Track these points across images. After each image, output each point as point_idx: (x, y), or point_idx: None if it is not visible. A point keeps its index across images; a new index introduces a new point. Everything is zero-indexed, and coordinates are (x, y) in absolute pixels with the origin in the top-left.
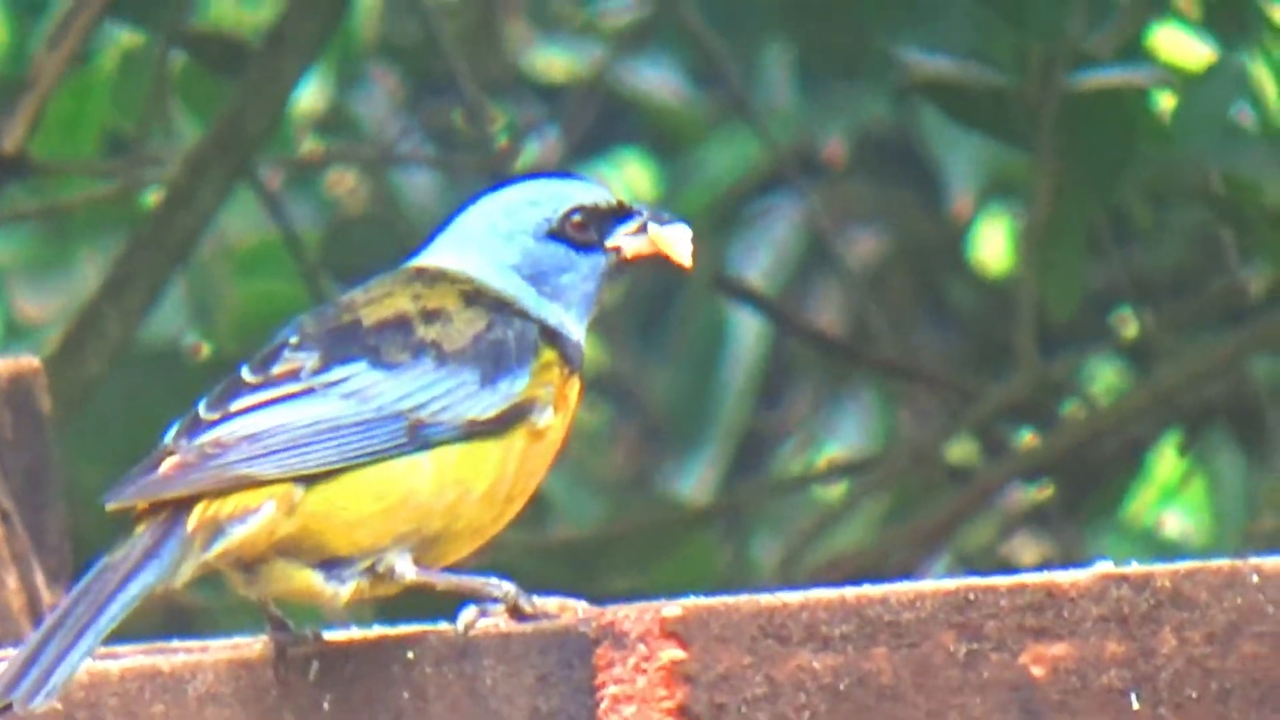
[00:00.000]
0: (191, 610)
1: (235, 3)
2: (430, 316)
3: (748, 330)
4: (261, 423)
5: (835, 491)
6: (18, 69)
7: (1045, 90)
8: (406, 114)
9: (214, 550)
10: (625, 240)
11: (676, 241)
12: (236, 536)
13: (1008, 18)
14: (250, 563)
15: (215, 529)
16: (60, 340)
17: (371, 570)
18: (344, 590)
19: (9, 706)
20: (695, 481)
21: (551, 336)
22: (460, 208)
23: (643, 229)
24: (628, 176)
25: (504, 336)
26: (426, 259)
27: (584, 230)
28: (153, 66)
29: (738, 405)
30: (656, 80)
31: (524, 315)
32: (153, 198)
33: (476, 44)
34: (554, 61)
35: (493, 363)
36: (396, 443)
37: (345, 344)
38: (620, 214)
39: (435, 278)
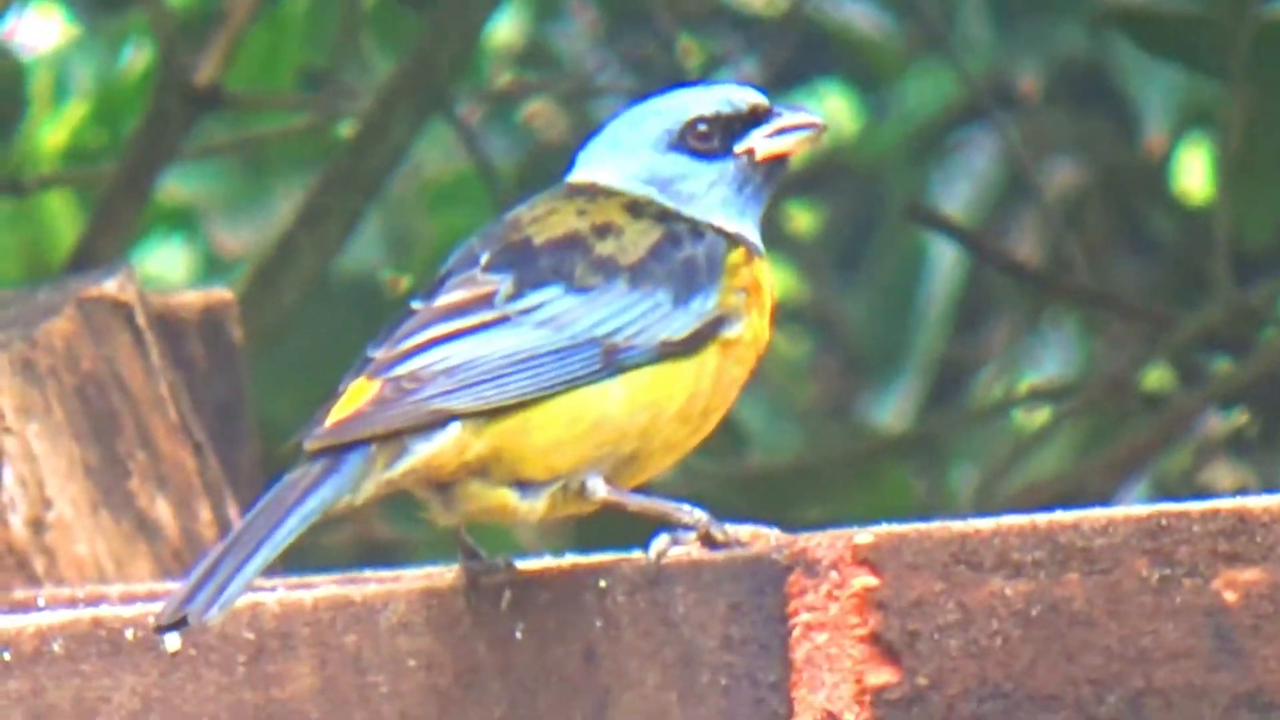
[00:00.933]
0: (386, 543)
1: None
2: (601, 231)
3: (945, 260)
4: (458, 354)
5: (1032, 420)
6: (211, 3)
7: (1239, 18)
8: (605, 46)
9: (398, 469)
10: (759, 143)
11: (799, 140)
12: (422, 455)
13: None
14: (442, 482)
15: (400, 447)
16: (255, 273)
17: (564, 489)
18: (538, 505)
19: (185, 620)
20: (892, 411)
21: (730, 237)
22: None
23: (781, 130)
24: (827, 108)
25: (692, 251)
26: (575, 176)
27: (707, 139)
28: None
29: (935, 335)
30: (855, 12)
31: (693, 223)
32: (346, 131)
33: None
34: None
35: (685, 281)
36: (592, 369)
37: (533, 266)
38: (755, 118)
39: (592, 193)
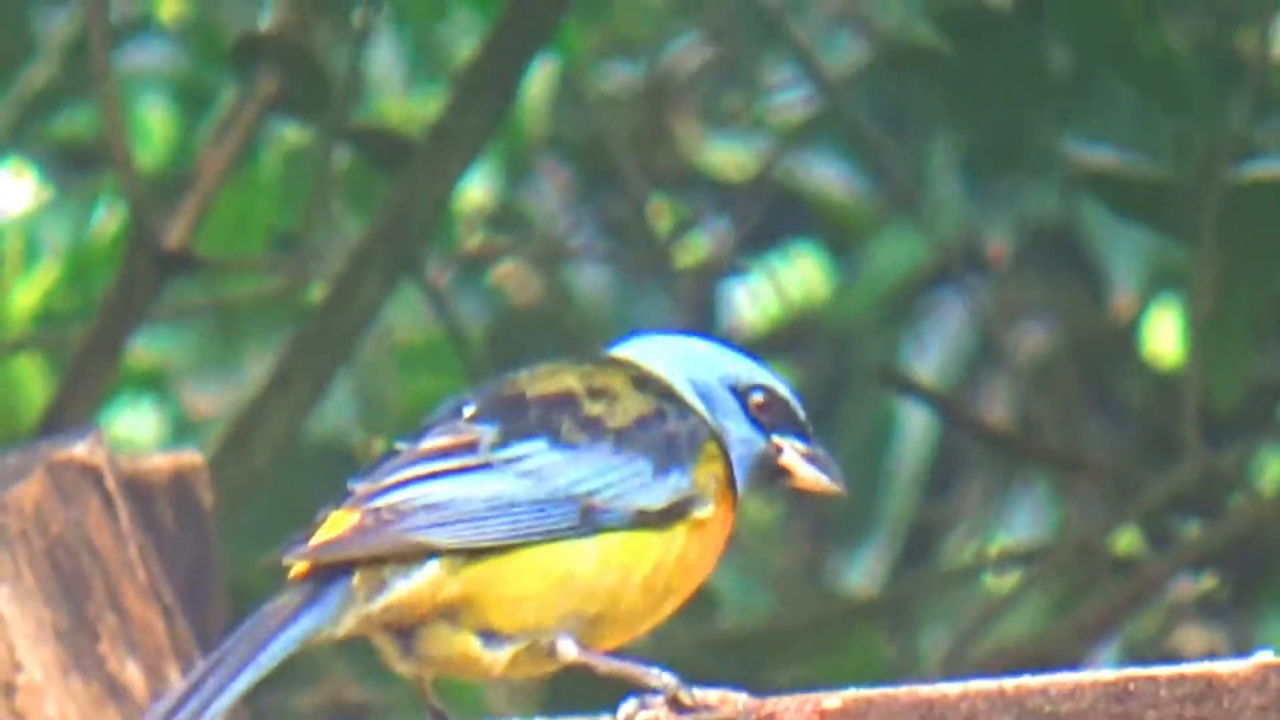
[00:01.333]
0: (358, 706)
1: (400, 98)
2: (596, 394)
3: (915, 423)
4: (440, 493)
5: (1003, 583)
6: (182, 166)
7: (1208, 182)
8: (576, 208)
9: (378, 603)
10: (790, 452)
11: (818, 480)
12: (400, 591)
13: (1169, 109)
14: (411, 625)
15: (379, 582)
16: (225, 435)
17: (532, 647)
18: (501, 657)
19: None
20: (863, 573)
21: (716, 435)
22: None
23: (808, 457)
24: (799, 270)
25: (676, 428)
26: (619, 351)
27: (761, 410)
28: (317, 163)
29: (905, 497)
30: (826, 174)
31: (691, 409)
32: (317, 294)
33: (646, 140)
34: (725, 156)
35: (665, 452)
36: (569, 524)
37: (520, 418)
38: (797, 426)
39: (608, 363)
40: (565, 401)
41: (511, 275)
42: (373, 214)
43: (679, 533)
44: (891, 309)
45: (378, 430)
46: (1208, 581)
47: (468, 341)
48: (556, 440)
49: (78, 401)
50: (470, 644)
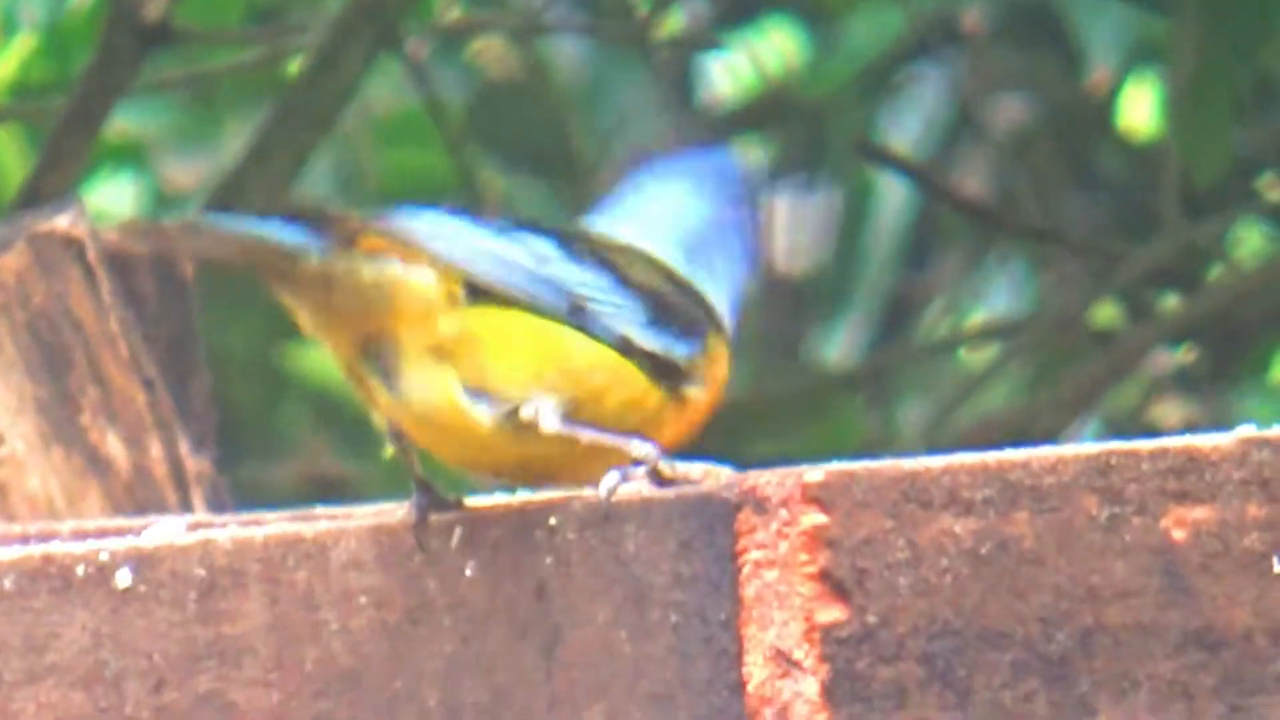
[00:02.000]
0: (335, 479)
1: None
2: (630, 259)
3: (893, 196)
4: (449, 225)
5: (978, 358)
6: None
7: None
8: None
9: (374, 265)
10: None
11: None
12: (394, 271)
13: None
14: (394, 343)
15: (378, 251)
16: (204, 207)
17: (515, 414)
18: (484, 416)
19: None
20: (840, 347)
21: (718, 323)
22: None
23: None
24: (774, 44)
25: (683, 307)
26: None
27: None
28: None
29: (883, 271)
30: None
31: (702, 302)
32: (295, 67)
33: None
34: None
35: (664, 314)
36: (556, 306)
37: (536, 225)
38: None
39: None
40: (598, 247)
41: (488, 50)
42: None
43: (660, 390)
44: (867, 83)
45: (357, 203)
46: (1186, 355)
47: (447, 115)
48: (566, 248)
49: (57, 175)
50: (456, 392)
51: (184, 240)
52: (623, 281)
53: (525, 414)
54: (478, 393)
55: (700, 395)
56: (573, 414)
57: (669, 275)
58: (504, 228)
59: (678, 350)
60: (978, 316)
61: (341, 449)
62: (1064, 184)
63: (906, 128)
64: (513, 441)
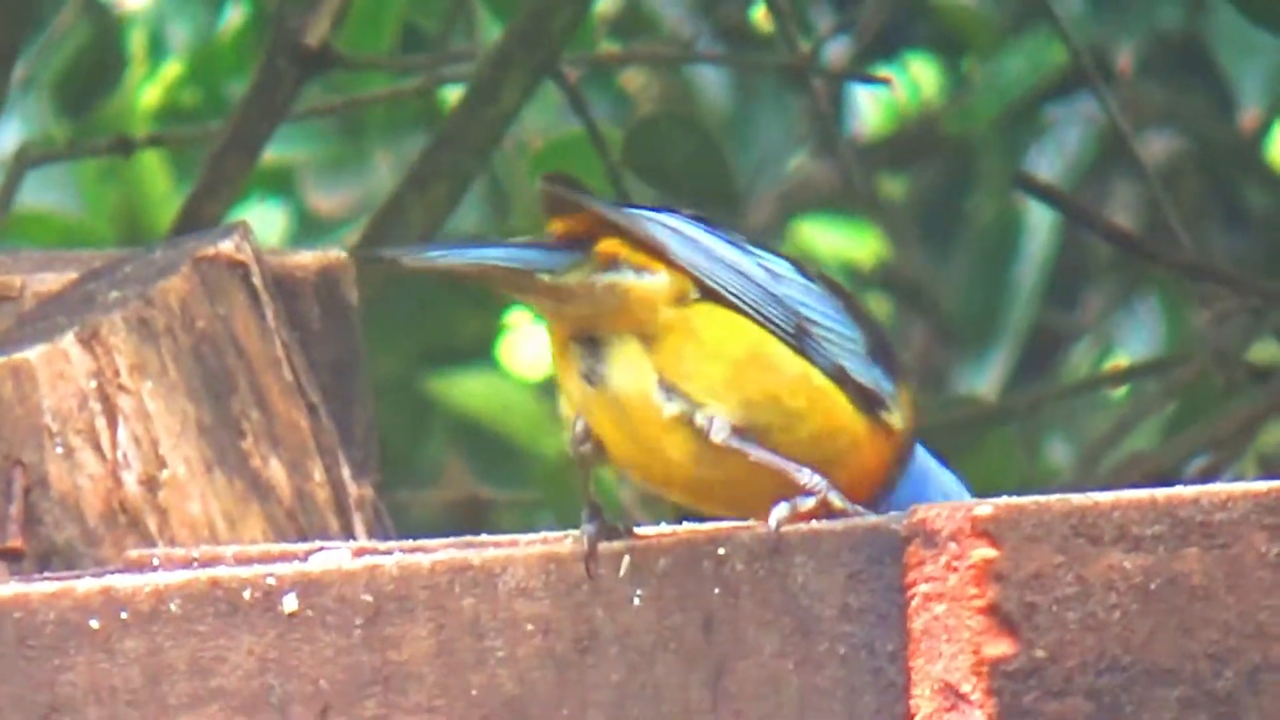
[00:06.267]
0: (482, 505)
1: None
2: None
3: (1040, 228)
4: (690, 228)
5: (1120, 395)
6: None
7: None
8: (701, 13)
9: (604, 278)
10: None
11: None
12: (627, 279)
13: None
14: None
15: (612, 260)
16: (364, 232)
17: (693, 417)
18: (667, 409)
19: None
20: (986, 381)
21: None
22: None
23: None
24: (915, 78)
25: (893, 346)
26: None
27: None
28: None
29: (1027, 306)
30: None
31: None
32: (452, 95)
33: None
34: None
35: (878, 349)
36: (782, 324)
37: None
38: None
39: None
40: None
41: (631, 79)
42: (510, 15)
43: (865, 420)
44: (1013, 119)
45: (513, 232)
46: None
47: (605, 143)
48: (803, 270)
49: (213, 200)
50: (650, 382)
51: (418, 266)
52: (847, 311)
53: (699, 419)
54: (670, 387)
55: (898, 431)
56: (763, 431)
57: (873, 314)
58: (738, 240)
59: (884, 387)
60: (1122, 354)
61: (486, 476)
62: (1212, 219)
63: (1052, 163)
64: (686, 447)
